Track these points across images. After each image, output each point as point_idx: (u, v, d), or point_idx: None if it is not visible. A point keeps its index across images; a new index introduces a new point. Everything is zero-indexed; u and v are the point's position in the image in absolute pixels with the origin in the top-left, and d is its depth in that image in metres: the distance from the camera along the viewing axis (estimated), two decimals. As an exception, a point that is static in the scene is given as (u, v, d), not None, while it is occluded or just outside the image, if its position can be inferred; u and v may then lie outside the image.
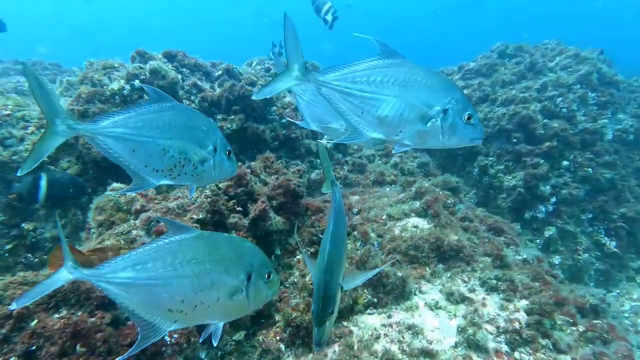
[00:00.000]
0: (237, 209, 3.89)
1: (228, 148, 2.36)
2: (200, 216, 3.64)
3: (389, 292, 3.70)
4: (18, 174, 1.99)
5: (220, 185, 3.85)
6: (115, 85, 5.27)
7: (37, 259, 5.01)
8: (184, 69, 5.90)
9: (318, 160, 6.35)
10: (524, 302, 3.62)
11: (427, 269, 4.01)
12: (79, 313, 2.55)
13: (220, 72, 6.13)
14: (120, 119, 2.04)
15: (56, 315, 2.49)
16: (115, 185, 4.09)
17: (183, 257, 1.82)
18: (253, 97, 2.23)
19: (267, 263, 2.08)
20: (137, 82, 5.18)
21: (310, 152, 6.29)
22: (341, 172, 6.30)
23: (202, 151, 2.26)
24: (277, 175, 4.36)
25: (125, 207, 3.55)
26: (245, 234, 3.81)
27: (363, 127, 2.17)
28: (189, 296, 1.83)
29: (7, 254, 4.99)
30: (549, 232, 6.50)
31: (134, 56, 5.58)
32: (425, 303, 3.67)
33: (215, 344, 1.94)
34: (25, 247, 5.08)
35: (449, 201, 4.77)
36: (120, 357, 1.87)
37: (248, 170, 4.09)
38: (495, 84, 7.88)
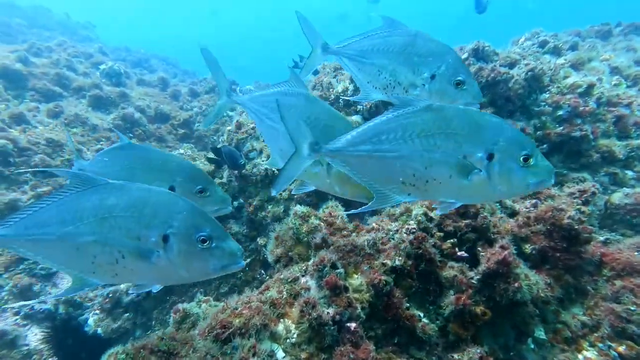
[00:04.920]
0: (459, 254, 2.39)
1: (458, 78, 2.25)
2: (397, 262, 2.33)
3: None
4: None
5: (431, 214, 2.44)
6: (339, 87, 5.00)
7: (267, 276, 4.88)
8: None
9: (628, 173, 3.85)
10: None
11: None
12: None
13: (465, 55, 4.61)
14: (353, 43, 2.59)
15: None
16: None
17: (412, 130, 1.78)
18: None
19: (521, 141, 1.68)
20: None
21: (611, 160, 3.86)
22: None
23: (414, 76, 2.32)
24: (535, 200, 2.55)
25: (305, 238, 2.64)
26: (472, 300, 2.25)
27: None
28: (419, 170, 1.79)
29: (247, 268, 5.07)
30: None
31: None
32: None
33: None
34: (260, 262, 5.06)
35: None
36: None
37: (480, 191, 2.50)
38: None
